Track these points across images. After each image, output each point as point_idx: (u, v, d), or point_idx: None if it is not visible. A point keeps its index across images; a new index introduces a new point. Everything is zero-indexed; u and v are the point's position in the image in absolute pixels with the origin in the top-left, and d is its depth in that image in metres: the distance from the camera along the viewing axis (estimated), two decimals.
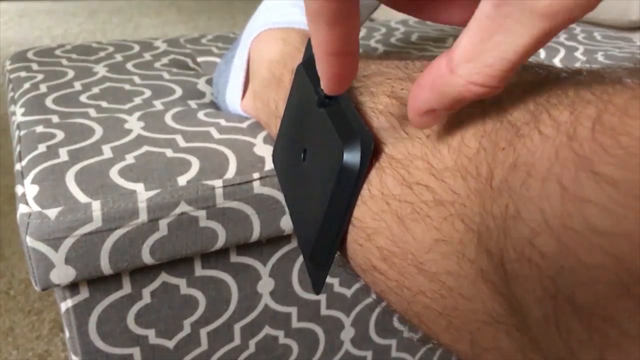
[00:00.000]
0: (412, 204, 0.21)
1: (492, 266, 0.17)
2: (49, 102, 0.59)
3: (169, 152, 0.49)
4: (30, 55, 0.75)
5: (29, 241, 0.42)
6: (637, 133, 0.14)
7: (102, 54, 0.76)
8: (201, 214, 0.47)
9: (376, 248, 0.22)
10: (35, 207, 0.42)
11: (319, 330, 0.62)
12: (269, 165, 0.50)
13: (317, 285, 0.27)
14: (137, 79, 0.67)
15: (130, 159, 0.48)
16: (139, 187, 0.45)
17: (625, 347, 0.13)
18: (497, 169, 0.17)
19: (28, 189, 0.44)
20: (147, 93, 0.63)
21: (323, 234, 0.25)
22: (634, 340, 0.12)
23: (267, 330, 0.58)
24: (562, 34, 0.95)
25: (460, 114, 0.20)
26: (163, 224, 0.46)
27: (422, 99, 0.19)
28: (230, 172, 0.48)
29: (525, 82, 0.20)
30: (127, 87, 0.64)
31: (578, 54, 0.85)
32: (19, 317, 1.01)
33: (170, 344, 0.54)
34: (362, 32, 0.88)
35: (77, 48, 0.79)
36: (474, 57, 0.17)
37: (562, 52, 0.85)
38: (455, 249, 0.19)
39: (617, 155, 0.14)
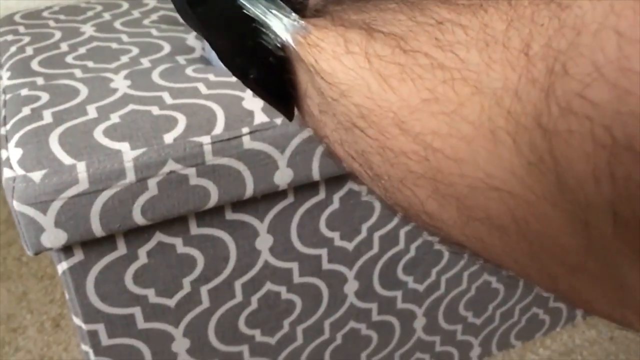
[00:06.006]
0: (402, 66, 0.20)
1: (514, 127, 0.17)
2: (34, 64, 0.58)
3: (154, 110, 0.48)
4: (17, 18, 0.74)
5: (16, 205, 0.41)
6: None
7: (90, 13, 0.74)
8: (190, 171, 0.46)
9: (353, 105, 0.22)
10: (20, 171, 0.42)
11: (321, 285, 0.62)
12: (259, 119, 0.48)
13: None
14: (124, 37, 0.65)
15: (115, 118, 0.47)
16: (124, 146, 0.44)
17: None
18: (534, 39, 0.17)
19: (12, 152, 0.43)
20: (135, 51, 0.61)
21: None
22: None
23: (268, 286, 0.58)
24: None
25: (482, 4, 0.20)
26: (152, 183, 0.45)
27: None
28: (219, 128, 0.47)
29: None
30: (114, 45, 0.63)
31: None
32: (32, 282, 1.02)
33: (171, 302, 0.54)
34: None
35: (65, 9, 0.77)
36: None
37: None
38: (448, 109, 0.19)
39: None
